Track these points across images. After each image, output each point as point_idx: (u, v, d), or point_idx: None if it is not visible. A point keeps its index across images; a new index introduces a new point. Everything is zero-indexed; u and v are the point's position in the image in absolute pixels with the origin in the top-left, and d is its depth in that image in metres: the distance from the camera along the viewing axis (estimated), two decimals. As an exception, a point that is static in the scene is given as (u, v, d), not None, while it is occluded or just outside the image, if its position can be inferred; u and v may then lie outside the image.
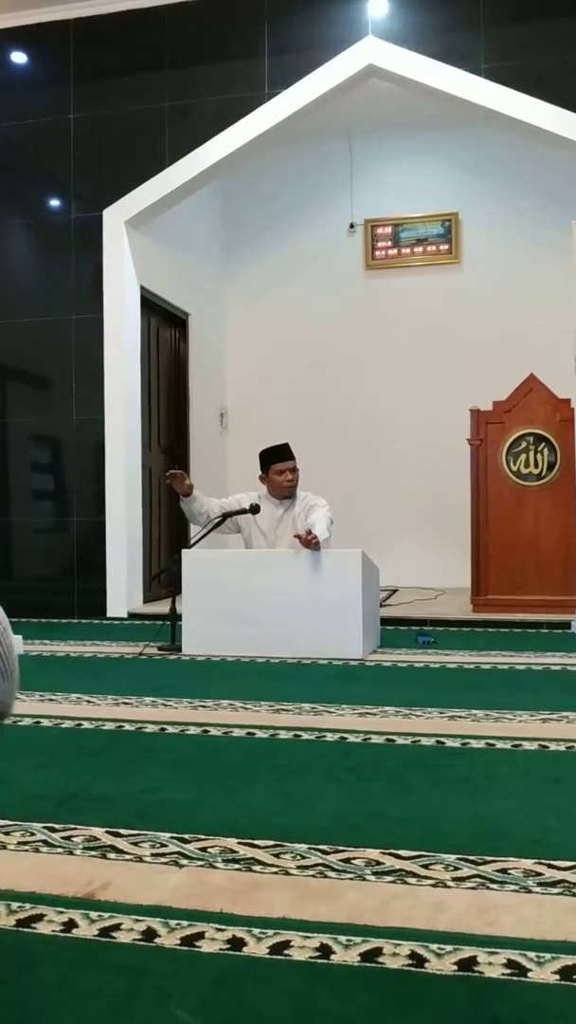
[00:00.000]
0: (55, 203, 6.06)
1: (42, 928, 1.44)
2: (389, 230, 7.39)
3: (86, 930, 1.43)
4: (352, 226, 7.47)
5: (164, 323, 6.73)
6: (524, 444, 5.44)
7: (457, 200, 7.25)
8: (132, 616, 5.74)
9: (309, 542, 4.04)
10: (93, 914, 1.48)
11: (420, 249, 7.34)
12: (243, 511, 4.49)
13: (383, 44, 5.42)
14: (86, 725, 2.83)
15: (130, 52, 5.86)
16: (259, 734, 2.69)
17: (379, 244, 7.41)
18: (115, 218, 5.85)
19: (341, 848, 1.76)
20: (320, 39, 5.52)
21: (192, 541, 4.63)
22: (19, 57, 6.07)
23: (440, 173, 7.33)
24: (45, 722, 2.88)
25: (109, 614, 5.77)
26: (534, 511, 5.41)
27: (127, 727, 2.80)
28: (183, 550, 4.38)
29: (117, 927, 1.44)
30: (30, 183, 6.09)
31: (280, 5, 5.59)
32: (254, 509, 4.47)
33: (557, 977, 1.27)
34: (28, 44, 6.03)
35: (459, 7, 5.35)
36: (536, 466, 5.41)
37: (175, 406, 6.89)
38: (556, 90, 5.20)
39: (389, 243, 7.40)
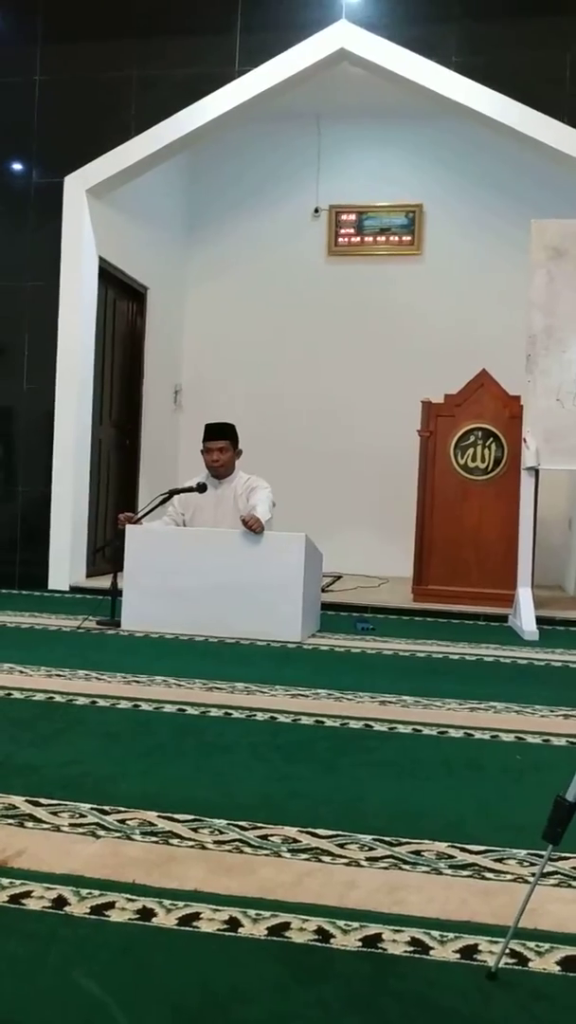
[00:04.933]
0: (16, 167, 5.94)
1: (-48, 893, 1.44)
2: (353, 217, 7.37)
3: (-4, 896, 1.43)
4: (317, 210, 7.44)
5: (122, 296, 6.65)
6: (472, 438, 5.50)
7: (422, 191, 7.26)
8: (74, 589, 5.69)
9: (252, 527, 4.06)
10: (5, 881, 1.48)
11: (383, 238, 7.34)
12: (189, 489, 4.48)
13: (355, 29, 5.39)
14: (16, 695, 2.81)
15: (100, 16, 5.76)
16: (190, 711, 2.69)
17: (342, 230, 7.40)
18: (77, 186, 5.76)
19: (260, 824, 1.78)
20: (293, 20, 5.47)
21: (137, 516, 4.61)
22: (-15, 14, 5.93)
23: (407, 163, 7.32)
24: (-25, 690, 2.86)
25: (51, 586, 5.71)
26: (479, 505, 5.47)
27: (58, 699, 2.78)
28: (128, 525, 4.35)
29: (28, 894, 1.44)
30: (-9, 144, 5.97)
31: (255, -19, 5.53)
32: (201, 488, 4.46)
33: (458, 956, 1.30)
34: (-5, 1, 5.90)
35: (433, -2, 5.35)
36: (483, 460, 5.47)
37: (129, 380, 6.82)
38: (522, 88, 5.22)
39: (352, 230, 7.38)
